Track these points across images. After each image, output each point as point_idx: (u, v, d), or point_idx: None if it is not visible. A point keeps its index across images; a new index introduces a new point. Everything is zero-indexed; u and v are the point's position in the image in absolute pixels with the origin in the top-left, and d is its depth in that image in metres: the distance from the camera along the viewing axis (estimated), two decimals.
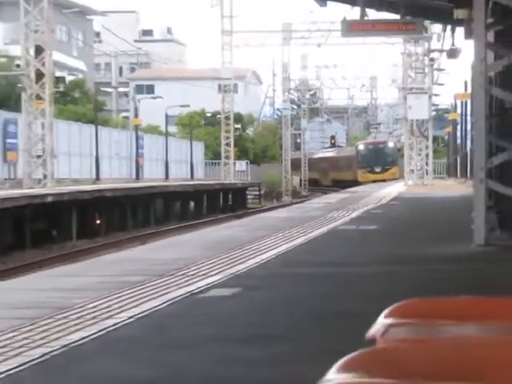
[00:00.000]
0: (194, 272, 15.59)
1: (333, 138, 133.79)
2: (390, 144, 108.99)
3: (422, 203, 39.85)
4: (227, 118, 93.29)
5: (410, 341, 3.80)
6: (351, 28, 43.66)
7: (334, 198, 53.04)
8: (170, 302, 12.43)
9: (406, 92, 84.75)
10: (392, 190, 55.56)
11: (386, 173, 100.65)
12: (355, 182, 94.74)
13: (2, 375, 8.06)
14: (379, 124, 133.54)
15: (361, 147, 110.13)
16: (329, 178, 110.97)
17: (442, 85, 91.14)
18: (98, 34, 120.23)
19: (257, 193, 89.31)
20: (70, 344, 9.52)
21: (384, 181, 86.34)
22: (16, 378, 7.98)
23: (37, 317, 11.10)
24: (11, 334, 9.98)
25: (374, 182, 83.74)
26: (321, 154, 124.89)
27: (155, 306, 12.07)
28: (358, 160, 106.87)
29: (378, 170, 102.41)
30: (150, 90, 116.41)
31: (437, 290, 10.46)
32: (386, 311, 3.98)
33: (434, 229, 24.71)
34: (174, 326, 10.99)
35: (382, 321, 3.92)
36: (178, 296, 12.98)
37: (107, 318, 11.13)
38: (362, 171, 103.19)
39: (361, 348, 3.45)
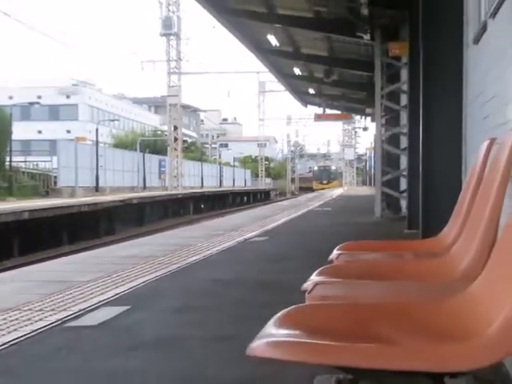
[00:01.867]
0: (245, 229, 15.59)
1: (310, 167, 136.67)
2: (333, 167, 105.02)
3: (351, 198, 40.02)
4: (261, 159, 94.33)
5: (350, 261, 3.76)
6: (318, 117, 44.57)
7: (310, 195, 52.92)
8: (235, 243, 12.52)
9: (344, 146, 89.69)
10: (337, 191, 55.98)
11: (329, 184, 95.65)
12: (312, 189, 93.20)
13: (154, 278, 8.04)
14: (331, 157, 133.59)
15: (315, 168, 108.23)
16: (306, 185, 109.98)
17: (359, 143, 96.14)
18: (202, 121, 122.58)
19: (275, 193, 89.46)
20: (188, 263, 9.49)
21: (329, 188, 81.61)
22: (160, 280, 7.95)
23: (172, 250, 11.12)
24: (161, 258, 9.96)
25: (323, 189, 78.04)
26: (304, 175, 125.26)
27: (229, 245, 12.16)
28: (314, 176, 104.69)
29: (325, 182, 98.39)
30: (226, 146, 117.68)
31: (360, 236, 10.48)
32: (337, 247, 3.94)
33: (357, 209, 24.86)
34: (238, 253, 11.07)
35: (336, 252, 3.86)
36: (239, 241, 13.03)
37: (206, 250, 11.17)
38: (316, 182, 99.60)
39: (325, 265, 3.38)
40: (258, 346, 1.86)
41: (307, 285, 2.84)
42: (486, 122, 5.71)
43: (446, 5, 7.89)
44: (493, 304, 1.99)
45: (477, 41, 6.28)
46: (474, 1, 6.68)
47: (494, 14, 5.16)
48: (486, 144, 4.14)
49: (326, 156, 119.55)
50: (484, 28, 5.76)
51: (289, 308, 2.19)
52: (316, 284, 2.81)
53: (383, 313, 2.31)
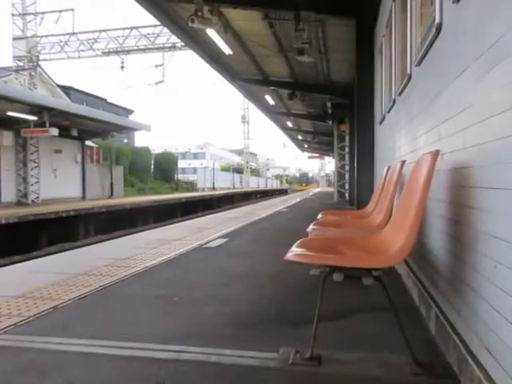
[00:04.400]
0: (277, 206, 14.94)
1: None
2: (310, 174, 77.93)
3: (324, 192, 38.20)
4: (284, 175, 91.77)
5: (326, 219, 3.67)
6: (309, 157, 43.23)
7: (305, 191, 51.59)
8: (273, 212, 11.97)
9: (320, 169, 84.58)
10: (317, 190, 53.53)
11: (307, 186, 69.57)
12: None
13: (238, 226, 7.99)
14: (313, 173, 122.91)
15: (297, 175, 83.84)
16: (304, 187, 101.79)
17: (327, 168, 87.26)
18: (258, 159, 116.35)
19: (290, 190, 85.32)
20: (253, 220, 9.25)
21: (307, 189, 57.81)
22: (241, 227, 7.87)
23: (245, 214, 10.92)
24: (241, 218, 9.75)
25: (303, 190, 57.05)
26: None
27: (269, 213, 11.63)
28: (297, 180, 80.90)
29: (304, 184, 71.61)
30: (268, 170, 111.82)
31: (328, 208, 10.27)
32: (320, 213, 3.88)
33: (326, 197, 23.91)
34: (274, 216, 10.51)
35: (320, 215, 3.79)
36: (275, 211, 12.45)
37: (261, 215, 10.77)
38: (297, 184, 73.36)
39: (315, 221, 3.31)
40: (289, 256, 1.89)
41: (309, 229, 2.85)
42: (385, 159, 5.58)
43: (366, 106, 7.71)
44: (392, 239, 1.97)
45: (381, 123, 6.14)
46: (379, 105, 6.54)
47: (388, 111, 5.04)
48: (386, 168, 4.09)
49: (311, 172, 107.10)
50: (384, 117, 5.63)
51: (301, 239, 2.20)
52: (313, 229, 2.81)
53: (342, 241, 2.30)
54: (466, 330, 1.79)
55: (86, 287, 3.32)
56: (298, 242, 2.18)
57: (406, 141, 3.57)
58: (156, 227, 11.93)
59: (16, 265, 4.85)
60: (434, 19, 2.35)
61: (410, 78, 3.35)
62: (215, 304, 2.91)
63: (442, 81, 2.25)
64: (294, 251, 1.98)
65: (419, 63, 2.89)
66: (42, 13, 19.44)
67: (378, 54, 6.55)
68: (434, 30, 2.37)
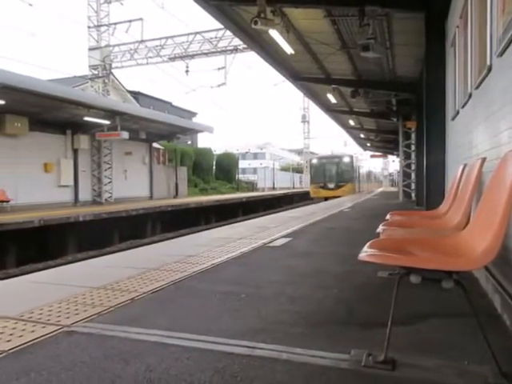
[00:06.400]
0: (338, 206, 14.72)
1: None
2: (345, 159, 29.79)
3: (387, 192, 36.67)
4: None
5: (395, 219, 3.55)
6: (371, 156, 41.78)
7: (365, 192, 49.87)
8: (335, 212, 11.71)
9: (383, 169, 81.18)
10: (379, 189, 51.26)
11: (338, 190, 27.96)
12: None
13: (301, 226, 7.95)
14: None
15: (314, 161, 57.08)
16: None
17: (390, 167, 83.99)
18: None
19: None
20: (315, 220, 9.14)
21: (336, 196, 26.58)
22: (304, 227, 7.81)
23: (308, 214, 10.83)
24: (303, 217, 9.71)
25: (328, 198, 26.18)
26: None
27: (333, 213, 11.38)
28: (312, 177, 59.59)
29: (331, 186, 28.54)
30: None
31: (394, 208, 9.80)
32: (389, 213, 3.75)
33: (390, 197, 23.02)
34: (337, 216, 10.27)
35: (388, 215, 3.68)
36: (335, 212, 12.27)
37: (322, 215, 10.66)
38: (312, 186, 43.67)
39: (384, 222, 3.22)
40: (363, 255, 1.87)
41: (379, 230, 2.78)
42: (458, 157, 5.28)
43: (436, 102, 7.34)
44: (474, 241, 1.86)
45: (453, 119, 5.81)
46: (452, 101, 6.19)
47: (462, 106, 4.76)
48: (461, 166, 3.86)
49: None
50: (457, 113, 5.32)
51: (372, 240, 2.15)
52: (383, 229, 2.74)
53: (417, 242, 2.22)
54: None
55: (159, 281, 3.48)
56: (370, 242, 2.14)
57: (484, 137, 3.35)
58: (219, 226, 12.23)
59: (93, 259, 5.23)
60: None
61: (489, 69, 3.14)
62: (281, 302, 2.92)
63: None
64: (367, 251, 1.94)
65: (502, 53, 2.70)
66: (115, 23, 20.76)
67: (450, 46, 6.20)
68: None
